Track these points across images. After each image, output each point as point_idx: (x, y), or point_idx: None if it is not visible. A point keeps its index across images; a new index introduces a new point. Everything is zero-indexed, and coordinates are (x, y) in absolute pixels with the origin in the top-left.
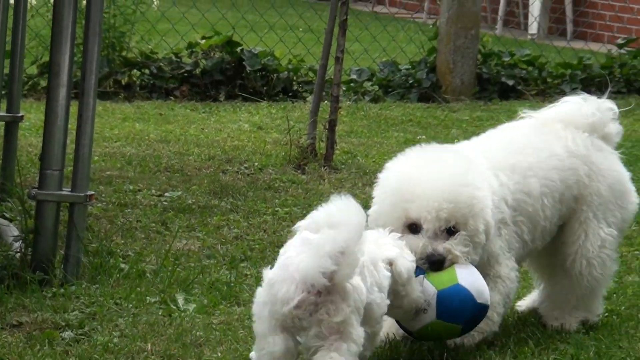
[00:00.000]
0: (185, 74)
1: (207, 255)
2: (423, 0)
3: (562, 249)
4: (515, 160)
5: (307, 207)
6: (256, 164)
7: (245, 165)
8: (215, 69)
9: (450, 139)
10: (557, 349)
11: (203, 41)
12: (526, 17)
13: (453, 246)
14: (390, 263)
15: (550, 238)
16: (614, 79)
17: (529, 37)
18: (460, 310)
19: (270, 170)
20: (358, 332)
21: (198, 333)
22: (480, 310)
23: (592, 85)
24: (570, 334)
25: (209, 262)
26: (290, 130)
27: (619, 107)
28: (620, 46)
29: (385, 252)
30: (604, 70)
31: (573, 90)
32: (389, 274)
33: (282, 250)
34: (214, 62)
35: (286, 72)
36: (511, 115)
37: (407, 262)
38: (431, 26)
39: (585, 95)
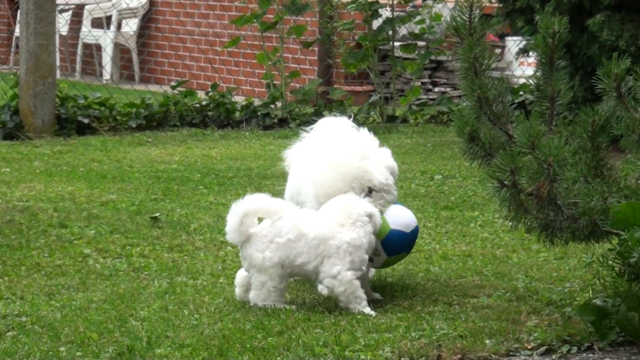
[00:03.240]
0: None
1: None
2: (8, 54)
3: None
4: None
5: None
6: None
7: None
8: None
9: (33, 170)
10: None
11: None
12: (100, 65)
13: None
14: (370, 216)
15: None
16: (170, 114)
17: (104, 82)
18: (401, 244)
19: None
20: None
21: None
22: (413, 235)
23: (154, 120)
24: None
25: None
26: None
27: (173, 139)
28: (174, 87)
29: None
30: (162, 108)
31: (139, 125)
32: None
33: None
34: None
35: None
36: (87, 148)
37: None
38: (12, 76)
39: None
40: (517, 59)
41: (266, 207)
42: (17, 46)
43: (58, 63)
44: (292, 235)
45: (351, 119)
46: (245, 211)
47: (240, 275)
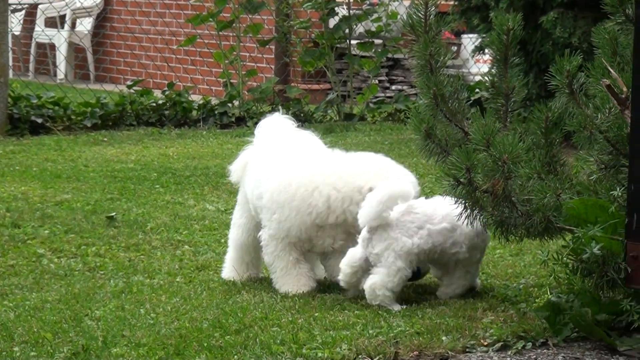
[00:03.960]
0: None
1: None
2: None
3: None
4: None
5: None
6: None
7: None
8: None
9: None
10: None
11: None
12: (54, 65)
13: None
14: None
15: None
16: (126, 113)
17: (59, 81)
18: None
19: None
20: None
21: None
22: None
23: (109, 119)
24: None
25: None
26: None
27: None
28: (129, 87)
29: None
30: (118, 107)
31: (94, 125)
32: None
33: None
34: None
35: None
36: (41, 148)
37: None
38: None
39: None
40: (473, 56)
41: (408, 192)
42: None
43: (11, 63)
44: (448, 224)
45: (286, 114)
46: (391, 195)
47: (355, 256)
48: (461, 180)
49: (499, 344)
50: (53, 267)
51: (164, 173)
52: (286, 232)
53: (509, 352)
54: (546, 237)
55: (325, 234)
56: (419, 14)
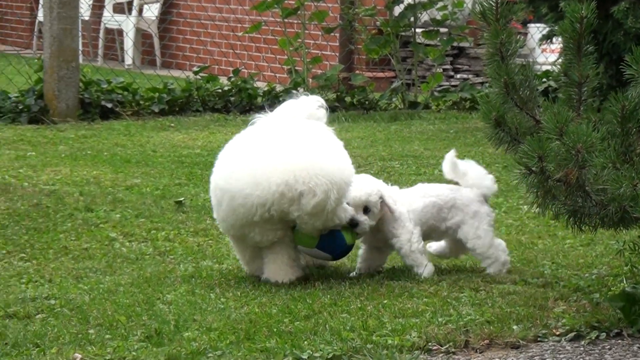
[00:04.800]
0: None
1: None
2: (32, 38)
3: None
4: None
5: None
6: None
7: None
8: None
9: (58, 154)
10: None
11: None
12: (122, 50)
13: None
14: None
15: None
16: (193, 99)
17: (126, 67)
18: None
19: None
20: None
21: None
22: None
23: (176, 105)
24: None
25: None
26: None
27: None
28: (196, 73)
29: None
30: (184, 93)
31: (161, 110)
32: None
33: None
34: None
35: None
36: (111, 133)
37: None
38: (36, 60)
39: (299, 96)
40: (539, 45)
41: None
42: (39, 31)
43: (81, 48)
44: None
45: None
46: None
47: None
48: (533, 168)
49: (572, 334)
50: (125, 251)
51: None
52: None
53: (582, 342)
54: (621, 228)
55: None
56: (490, 2)
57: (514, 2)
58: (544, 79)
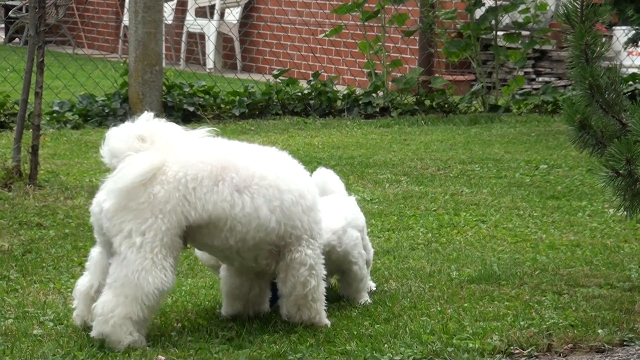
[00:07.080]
0: None
1: None
2: (117, 42)
3: None
4: None
5: (14, 219)
6: None
7: None
8: None
9: None
10: None
11: None
12: (204, 54)
13: None
14: None
15: None
16: (272, 103)
17: (207, 70)
18: None
19: None
20: None
21: None
22: None
23: (256, 108)
24: None
25: None
26: None
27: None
28: (275, 76)
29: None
30: (264, 96)
31: (242, 114)
32: None
33: None
34: None
35: None
36: None
37: None
38: (122, 64)
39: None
40: (625, 48)
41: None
42: (125, 35)
43: (164, 52)
44: None
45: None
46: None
47: None
48: (620, 171)
49: None
50: None
51: (310, 162)
52: None
53: None
54: None
55: None
56: (575, 4)
57: (599, 4)
58: (630, 82)
